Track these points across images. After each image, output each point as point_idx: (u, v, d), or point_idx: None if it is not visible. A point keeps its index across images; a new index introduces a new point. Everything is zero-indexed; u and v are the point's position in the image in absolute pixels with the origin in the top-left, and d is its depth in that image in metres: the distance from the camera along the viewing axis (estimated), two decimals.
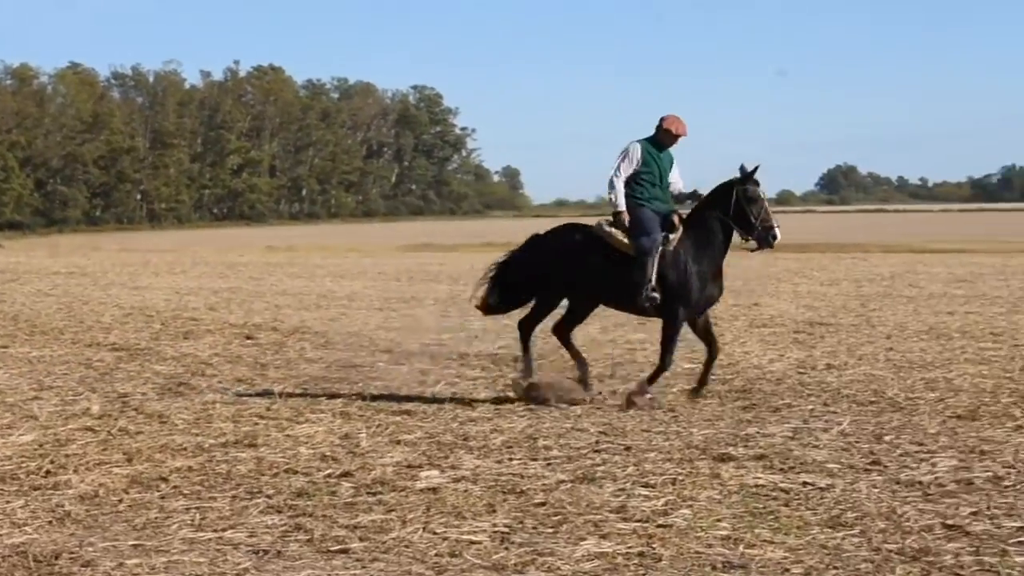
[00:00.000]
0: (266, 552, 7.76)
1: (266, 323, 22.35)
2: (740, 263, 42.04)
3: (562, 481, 9.43)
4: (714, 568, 7.28)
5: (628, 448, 10.66)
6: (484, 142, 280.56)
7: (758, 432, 11.29)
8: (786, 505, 8.65)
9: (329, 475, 9.74)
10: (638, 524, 8.19)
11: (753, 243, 12.87)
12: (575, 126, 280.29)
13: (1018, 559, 7.30)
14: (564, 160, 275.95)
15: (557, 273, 13.14)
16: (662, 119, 13.10)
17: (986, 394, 13.32)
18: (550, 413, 12.45)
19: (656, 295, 12.73)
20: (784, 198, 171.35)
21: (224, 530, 8.23)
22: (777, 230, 12.77)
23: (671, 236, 12.80)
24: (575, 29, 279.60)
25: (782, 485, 9.23)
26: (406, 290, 31.06)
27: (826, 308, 24.21)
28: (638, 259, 12.76)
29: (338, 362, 16.85)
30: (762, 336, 19.40)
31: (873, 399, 13.12)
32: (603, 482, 9.37)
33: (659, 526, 8.13)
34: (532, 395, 13.01)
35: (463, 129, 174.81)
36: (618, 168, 12.98)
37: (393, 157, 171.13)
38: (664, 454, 10.40)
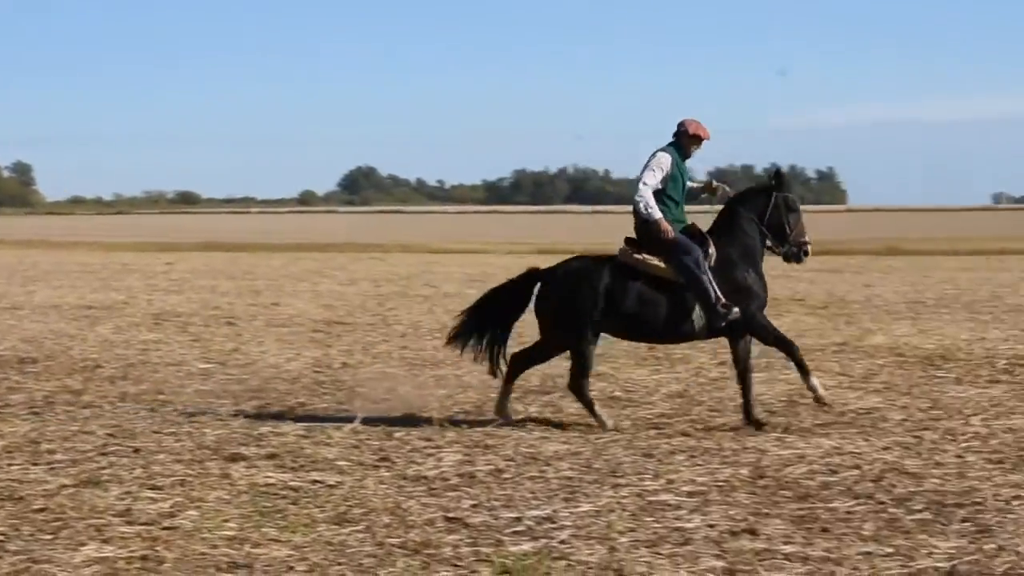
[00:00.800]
0: None
1: None
2: (267, 263, 41.89)
3: (65, 486, 9.11)
4: (218, 569, 7.21)
5: (137, 450, 10.42)
6: None
7: (271, 431, 11.28)
8: (294, 503, 8.67)
9: None
10: (143, 527, 8.01)
11: (780, 256, 11.98)
12: (91, 122, 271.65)
13: (512, 548, 7.59)
14: (80, 157, 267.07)
15: (589, 313, 11.59)
16: (683, 123, 11.81)
17: (493, 390, 13.74)
18: (56, 416, 12.02)
19: (736, 309, 11.41)
20: (306, 198, 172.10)
21: None
22: (809, 247, 11.95)
23: (710, 251, 11.58)
24: (94, 17, 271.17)
25: (292, 483, 9.25)
26: None
27: (344, 307, 24.47)
28: (689, 281, 11.47)
29: None
30: (280, 335, 19.42)
31: (386, 396, 13.34)
32: (108, 485, 9.12)
33: (164, 528, 7.98)
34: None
35: None
36: (646, 177, 11.61)
37: None
38: (174, 455, 10.23)
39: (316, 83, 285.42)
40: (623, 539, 7.77)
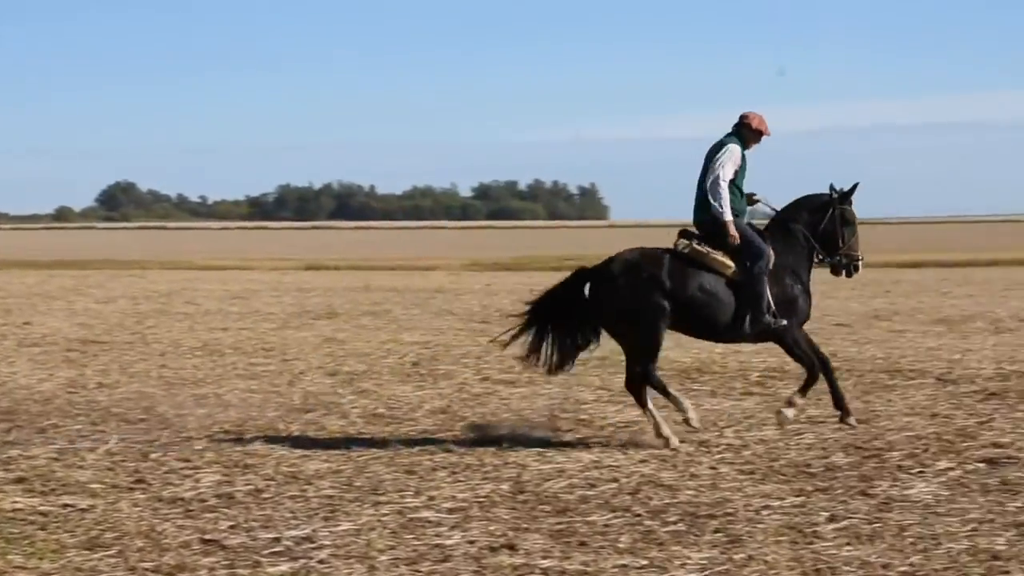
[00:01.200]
0: None
1: None
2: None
3: None
4: None
5: None
6: None
7: (21, 455, 10.95)
8: (43, 529, 8.42)
9: None
10: None
11: (827, 268, 11.85)
12: None
13: (270, 570, 7.50)
14: None
15: (654, 307, 11.26)
16: (746, 116, 11.53)
17: (254, 408, 13.64)
18: None
19: (784, 322, 11.34)
20: (62, 214, 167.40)
21: None
22: (860, 263, 11.85)
23: (770, 254, 11.41)
24: None
25: (41, 508, 8.98)
26: None
27: (101, 326, 23.89)
28: (751, 282, 11.26)
29: None
30: (32, 355, 18.86)
31: (143, 416, 13.08)
32: None
33: None
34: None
35: None
36: (723, 172, 11.31)
37: None
38: None
39: (72, 93, 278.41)
40: (383, 557, 7.75)
